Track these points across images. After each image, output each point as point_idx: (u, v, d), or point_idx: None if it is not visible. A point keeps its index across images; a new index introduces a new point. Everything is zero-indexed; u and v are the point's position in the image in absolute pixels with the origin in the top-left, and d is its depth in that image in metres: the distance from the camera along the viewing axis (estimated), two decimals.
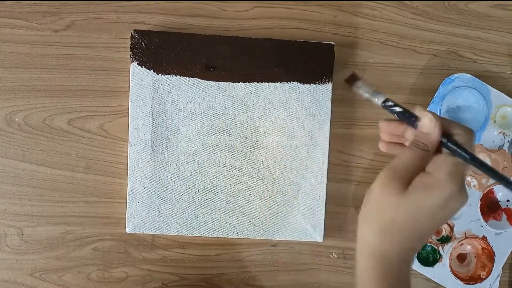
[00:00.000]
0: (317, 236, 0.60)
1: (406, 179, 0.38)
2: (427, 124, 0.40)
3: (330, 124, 0.60)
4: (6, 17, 0.59)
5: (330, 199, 0.61)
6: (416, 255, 0.41)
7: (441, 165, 0.38)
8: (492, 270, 0.59)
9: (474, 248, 0.61)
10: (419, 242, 0.40)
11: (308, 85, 0.59)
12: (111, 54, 0.60)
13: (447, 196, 0.37)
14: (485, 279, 0.59)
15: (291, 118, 0.60)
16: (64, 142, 0.60)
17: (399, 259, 0.40)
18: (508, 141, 0.60)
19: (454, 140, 0.39)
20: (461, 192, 0.37)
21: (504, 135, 0.60)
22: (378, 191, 0.39)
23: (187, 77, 0.59)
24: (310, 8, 0.61)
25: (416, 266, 0.60)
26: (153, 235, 0.61)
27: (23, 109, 0.60)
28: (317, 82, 0.60)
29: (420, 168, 0.39)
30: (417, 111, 0.42)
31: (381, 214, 0.39)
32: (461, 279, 0.60)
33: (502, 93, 0.60)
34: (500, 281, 0.61)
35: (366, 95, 0.44)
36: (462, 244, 0.61)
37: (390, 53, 0.62)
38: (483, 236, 0.60)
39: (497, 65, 0.63)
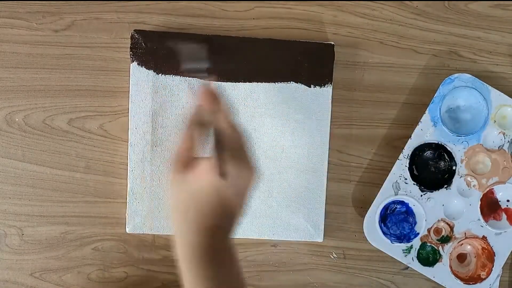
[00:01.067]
0: (317, 236, 0.60)
1: (188, 162, 0.42)
2: (202, 98, 0.45)
3: (330, 124, 0.60)
4: (6, 17, 0.59)
5: (330, 199, 0.61)
6: (226, 234, 0.43)
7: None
8: (492, 270, 0.59)
9: (474, 248, 0.61)
10: (214, 219, 0.41)
11: (308, 85, 0.59)
12: (111, 54, 0.60)
13: (207, 183, 0.40)
14: (485, 279, 0.59)
15: (291, 118, 0.60)
16: (64, 142, 0.60)
17: (201, 240, 0.41)
18: (508, 141, 0.60)
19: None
20: (237, 171, 0.41)
21: (504, 135, 0.60)
22: (169, 181, 0.43)
23: (187, 77, 0.59)
24: (310, 8, 0.61)
25: (416, 266, 0.60)
26: (153, 235, 0.61)
27: (23, 109, 0.60)
28: (317, 82, 0.60)
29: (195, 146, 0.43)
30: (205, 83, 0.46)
31: (174, 197, 0.42)
32: (461, 279, 0.60)
33: (502, 93, 0.60)
34: (500, 281, 0.61)
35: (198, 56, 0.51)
36: (462, 244, 0.61)
37: (390, 53, 0.62)
38: (483, 236, 0.60)
39: (497, 65, 0.63)
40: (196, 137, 0.43)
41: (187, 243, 0.41)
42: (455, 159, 0.60)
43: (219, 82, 0.59)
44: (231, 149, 0.42)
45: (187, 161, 0.42)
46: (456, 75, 0.60)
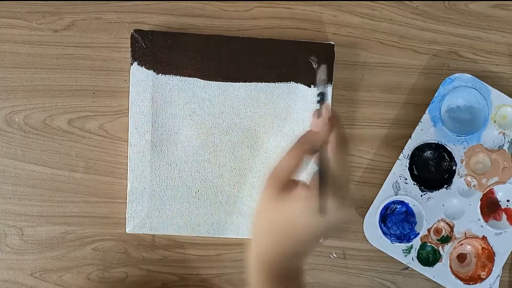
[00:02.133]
0: None
1: (287, 182, 0.40)
2: (318, 124, 0.41)
3: None
4: (6, 17, 0.59)
5: None
6: (304, 262, 0.42)
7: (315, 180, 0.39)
8: (492, 270, 0.59)
9: (474, 248, 0.61)
10: (300, 247, 0.41)
11: (308, 85, 0.59)
12: (111, 54, 0.60)
13: (305, 212, 0.38)
14: (485, 279, 0.59)
15: (291, 118, 0.60)
16: (64, 142, 0.60)
17: (280, 261, 0.40)
18: (508, 141, 0.60)
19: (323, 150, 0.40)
20: (336, 209, 0.38)
21: (504, 135, 0.60)
22: (263, 195, 0.41)
23: (187, 77, 0.59)
24: (310, 8, 0.61)
25: (416, 266, 0.60)
26: (153, 235, 0.61)
27: (23, 109, 0.60)
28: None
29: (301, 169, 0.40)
30: (323, 108, 0.42)
31: (263, 218, 0.41)
32: (461, 279, 0.60)
33: (502, 93, 0.60)
34: (500, 281, 0.61)
35: (322, 78, 0.43)
36: (462, 244, 0.61)
37: (390, 53, 0.62)
38: (483, 236, 0.60)
39: (497, 65, 0.63)
40: (301, 160, 0.40)
41: (268, 260, 0.40)
42: (455, 159, 0.60)
43: (219, 82, 0.59)
44: (334, 185, 0.39)
45: (286, 181, 0.40)
46: (456, 75, 0.60)
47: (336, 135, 0.40)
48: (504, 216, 0.61)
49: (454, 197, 0.60)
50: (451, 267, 0.60)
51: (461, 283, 0.59)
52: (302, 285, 0.42)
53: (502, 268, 0.60)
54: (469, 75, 0.60)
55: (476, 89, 0.59)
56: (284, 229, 0.40)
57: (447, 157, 0.61)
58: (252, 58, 0.59)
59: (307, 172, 0.41)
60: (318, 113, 0.42)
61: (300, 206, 0.39)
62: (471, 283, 0.60)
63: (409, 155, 0.60)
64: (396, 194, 0.60)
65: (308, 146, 0.41)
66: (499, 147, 0.60)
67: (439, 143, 0.60)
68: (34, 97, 0.59)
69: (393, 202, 0.61)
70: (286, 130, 0.60)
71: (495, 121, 0.60)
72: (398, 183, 0.60)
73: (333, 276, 0.63)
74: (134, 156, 0.58)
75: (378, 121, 0.62)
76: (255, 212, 0.42)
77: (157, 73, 0.58)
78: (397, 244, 0.59)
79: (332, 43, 0.60)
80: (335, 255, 0.63)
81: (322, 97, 0.42)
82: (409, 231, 0.61)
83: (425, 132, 0.60)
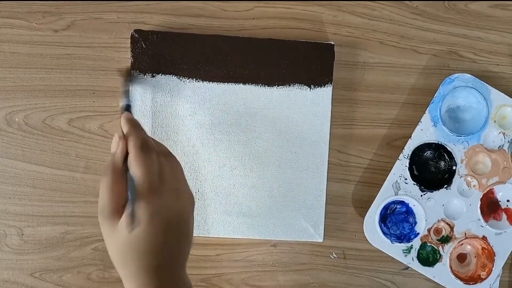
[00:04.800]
0: (317, 236, 0.60)
1: (113, 211, 0.41)
2: (113, 143, 0.44)
3: (330, 124, 0.60)
4: (6, 17, 0.59)
5: (330, 199, 0.61)
6: (175, 270, 0.43)
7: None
8: (492, 270, 0.59)
9: (474, 248, 0.61)
10: (148, 261, 0.41)
11: (308, 85, 0.59)
12: (111, 54, 0.60)
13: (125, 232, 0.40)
14: (485, 279, 0.59)
15: (291, 118, 0.60)
16: (64, 142, 0.60)
17: (141, 279, 0.41)
18: (508, 141, 0.60)
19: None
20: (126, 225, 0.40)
21: (504, 135, 0.60)
22: (102, 230, 0.42)
23: (187, 77, 0.59)
24: (310, 8, 0.61)
25: (416, 266, 0.60)
26: None
27: (23, 109, 0.60)
28: (317, 82, 0.60)
29: (121, 192, 0.41)
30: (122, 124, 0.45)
31: (110, 250, 0.42)
32: (461, 279, 0.60)
33: (502, 93, 0.60)
34: (500, 281, 0.61)
35: (121, 89, 0.46)
36: (462, 244, 0.61)
37: (390, 53, 0.62)
38: (483, 236, 0.60)
39: (497, 65, 0.63)
40: (115, 184, 0.41)
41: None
42: (455, 159, 0.60)
43: (219, 83, 0.59)
44: (147, 185, 0.41)
45: (114, 209, 0.41)
46: (456, 75, 0.60)
47: (133, 142, 0.43)
48: (504, 216, 0.61)
49: (454, 197, 0.60)
50: (451, 267, 0.60)
51: (461, 283, 0.59)
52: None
53: (502, 268, 0.60)
54: (469, 75, 0.60)
55: (476, 89, 0.59)
56: (127, 253, 0.41)
57: (447, 157, 0.61)
58: (252, 58, 0.59)
59: None
60: (116, 135, 0.44)
61: (123, 222, 0.40)
62: (471, 283, 0.60)
63: (409, 155, 0.60)
64: (396, 194, 0.60)
65: (114, 169, 0.42)
66: (499, 147, 0.60)
67: (439, 143, 0.60)
68: (34, 97, 0.60)
69: (393, 202, 0.61)
70: (286, 130, 0.60)
71: (495, 121, 0.60)
72: (398, 183, 0.60)
73: (333, 276, 0.63)
74: None
75: (378, 121, 0.63)
76: (110, 257, 0.43)
77: (157, 73, 0.58)
78: (397, 244, 0.59)
79: (332, 43, 0.60)
80: (335, 255, 0.63)
81: (125, 109, 0.46)
82: (409, 231, 0.61)
83: (425, 132, 0.60)
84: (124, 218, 0.40)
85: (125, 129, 0.45)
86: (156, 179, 0.42)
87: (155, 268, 0.41)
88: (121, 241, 0.40)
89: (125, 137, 0.43)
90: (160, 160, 0.43)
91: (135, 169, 0.41)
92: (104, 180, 0.41)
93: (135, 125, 0.45)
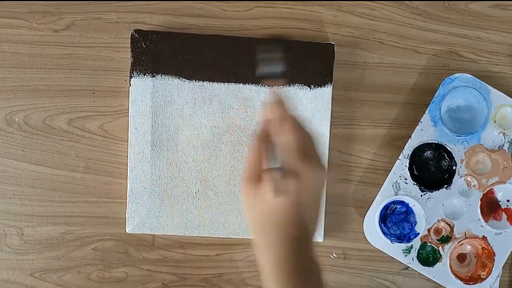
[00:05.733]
0: (317, 236, 0.60)
1: (257, 175, 0.42)
2: (268, 112, 0.44)
3: (330, 124, 0.60)
4: (6, 17, 0.59)
5: (330, 199, 0.61)
6: (307, 243, 0.43)
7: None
8: (492, 270, 0.59)
9: (474, 248, 0.61)
10: (285, 231, 0.42)
11: (308, 85, 0.59)
12: (111, 54, 0.60)
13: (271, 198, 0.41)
14: (485, 279, 0.59)
15: None
16: (64, 142, 0.60)
17: (278, 247, 0.41)
18: (508, 141, 0.60)
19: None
20: (275, 194, 0.41)
21: (504, 135, 0.60)
22: (242, 193, 0.43)
23: (187, 77, 0.59)
24: (310, 8, 0.61)
25: (416, 266, 0.60)
26: (153, 235, 0.61)
27: (23, 109, 0.60)
28: (317, 82, 0.60)
29: (264, 157, 0.43)
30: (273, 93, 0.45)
31: (248, 214, 0.43)
32: (461, 279, 0.60)
33: (502, 93, 0.60)
34: (500, 281, 0.61)
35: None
36: (462, 244, 0.61)
37: (390, 53, 0.62)
38: (483, 236, 0.60)
39: (497, 65, 0.63)
40: (264, 150, 0.43)
41: (272, 256, 0.42)
42: (455, 159, 0.60)
43: (219, 83, 0.59)
44: (298, 155, 0.42)
45: (257, 174, 0.42)
46: (456, 75, 0.60)
47: (288, 112, 0.44)
48: (504, 216, 0.61)
49: (454, 197, 0.60)
50: (451, 267, 0.60)
51: (461, 283, 0.59)
52: (318, 271, 0.43)
53: (502, 268, 0.60)
54: (469, 75, 0.60)
55: (476, 89, 0.59)
56: (267, 219, 0.42)
57: (447, 157, 0.61)
58: (252, 58, 0.59)
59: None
60: (274, 101, 0.45)
61: (269, 187, 0.41)
62: (471, 283, 0.60)
63: (409, 155, 0.60)
64: (396, 194, 0.60)
65: (266, 135, 0.43)
66: (499, 147, 0.60)
67: (439, 143, 0.60)
68: (34, 97, 0.60)
69: (393, 202, 0.61)
70: None
71: (495, 121, 0.60)
72: (398, 183, 0.60)
73: (333, 276, 0.63)
74: (134, 156, 0.58)
75: (378, 121, 0.63)
76: (247, 218, 0.44)
77: (157, 73, 0.58)
78: (397, 244, 0.59)
79: (332, 43, 0.60)
80: (335, 255, 0.63)
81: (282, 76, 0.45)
82: (409, 231, 0.61)
83: (425, 132, 0.60)
84: (270, 182, 0.41)
85: (276, 102, 0.45)
86: (304, 150, 0.42)
87: (292, 238, 0.41)
88: (264, 206, 0.41)
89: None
90: (304, 133, 0.44)
91: (287, 136, 0.42)
92: (256, 144, 0.43)
93: (285, 98, 0.45)
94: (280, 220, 0.41)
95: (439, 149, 0.61)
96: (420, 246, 0.60)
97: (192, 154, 0.59)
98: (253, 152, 0.43)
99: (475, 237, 0.60)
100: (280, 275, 0.41)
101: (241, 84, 0.59)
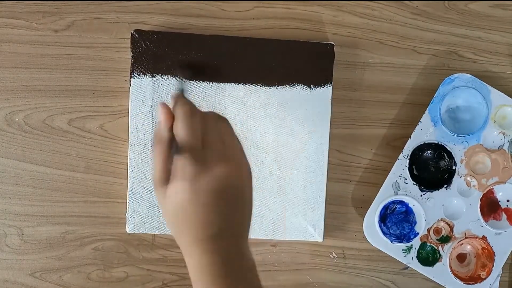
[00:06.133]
0: (317, 236, 0.60)
1: (164, 177, 0.40)
2: (158, 112, 0.43)
3: (330, 124, 0.60)
4: (6, 17, 0.59)
5: (330, 199, 0.61)
6: (233, 241, 0.40)
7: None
8: (492, 270, 0.59)
9: (474, 248, 0.61)
10: (200, 231, 0.39)
11: (308, 85, 0.59)
12: (111, 54, 0.60)
13: (174, 191, 0.39)
14: (485, 279, 0.59)
15: (290, 118, 0.60)
16: (64, 142, 0.60)
17: (199, 253, 0.39)
18: (508, 141, 0.60)
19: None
20: (181, 184, 0.39)
21: (504, 135, 0.60)
22: (156, 198, 0.42)
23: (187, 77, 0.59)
24: (310, 8, 0.61)
25: (416, 266, 0.60)
26: (153, 235, 0.61)
27: (23, 109, 0.60)
28: (317, 82, 0.60)
29: (169, 159, 0.40)
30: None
31: (165, 217, 0.42)
32: (461, 279, 0.60)
33: (502, 93, 0.60)
34: (500, 281, 0.61)
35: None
36: (462, 244, 0.61)
37: (390, 53, 0.62)
38: (483, 236, 0.60)
39: (497, 65, 0.63)
40: (162, 153, 0.40)
41: (197, 264, 0.39)
42: (455, 159, 0.60)
43: (219, 83, 0.59)
44: (191, 148, 0.39)
45: (162, 177, 0.40)
46: (456, 75, 0.60)
47: (177, 108, 0.41)
48: (504, 216, 0.61)
49: (454, 197, 0.60)
50: (451, 267, 0.60)
51: (461, 283, 0.59)
52: (249, 270, 0.41)
53: (502, 268, 0.60)
54: (469, 75, 0.60)
55: (476, 89, 0.59)
56: (177, 222, 0.40)
57: (447, 157, 0.61)
58: (252, 58, 0.59)
59: None
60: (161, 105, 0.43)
61: (179, 182, 0.39)
62: (471, 283, 0.60)
63: (409, 155, 0.60)
64: (396, 194, 0.60)
65: (160, 138, 0.41)
66: (499, 147, 0.60)
67: (439, 143, 0.60)
68: (34, 97, 0.60)
69: (393, 202, 0.61)
70: (285, 130, 0.60)
71: (495, 121, 0.60)
72: (398, 183, 0.60)
73: (333, 276, 0.63)
74: (134, 156, 0.58)
75: (378, 121, 0.63)
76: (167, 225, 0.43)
77: (157, 73, 0.58)
78: (397, 244, 0.59)
79: (332, 43, 0.60)
80: (335, 255, 0.63)
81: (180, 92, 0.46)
82: (409, 231, 0.61)
83: (425, 132, 0.60)
84: (179, 177, 0.39)
85: (172, 102, 0.43)
86: (199, 144, 0.40)
87: (209, 239, 0.39)
88: (170, 207, 0.39)
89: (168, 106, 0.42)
90: (206, 125, 0.41)
91: (177, 132, 0.40)
92: (152, 149, 0.42)
93: (181, 95, 0.44)
94: (187, 221, 0.39)
95: (439, 149, 0.61)
96: (420, 246, 0.60)
97: None
98: (156, 154, 0.40)
99: (475, 237, 0.60)
100: (207, 281, 0.38)
101: (241, 84, 0.59)
